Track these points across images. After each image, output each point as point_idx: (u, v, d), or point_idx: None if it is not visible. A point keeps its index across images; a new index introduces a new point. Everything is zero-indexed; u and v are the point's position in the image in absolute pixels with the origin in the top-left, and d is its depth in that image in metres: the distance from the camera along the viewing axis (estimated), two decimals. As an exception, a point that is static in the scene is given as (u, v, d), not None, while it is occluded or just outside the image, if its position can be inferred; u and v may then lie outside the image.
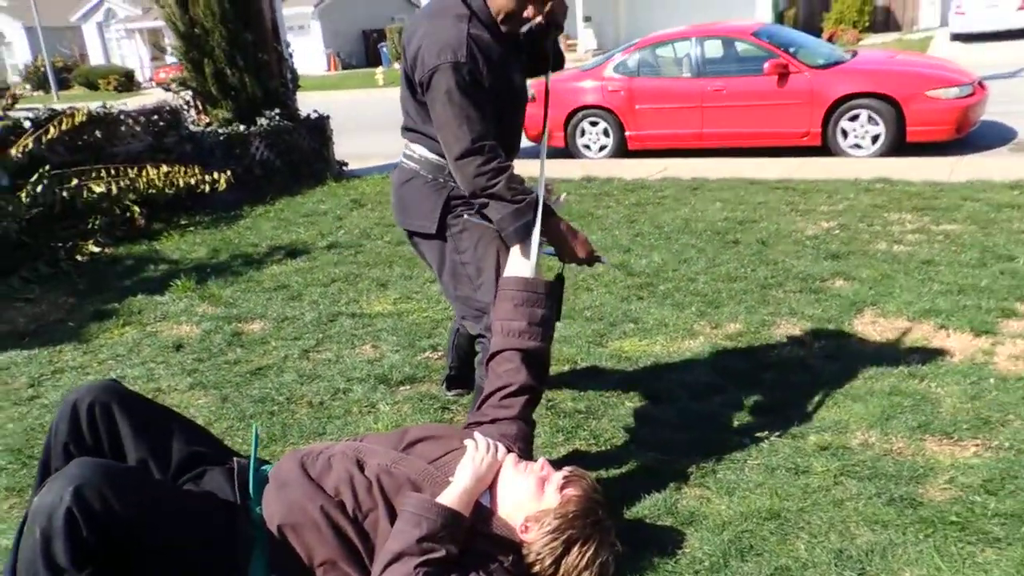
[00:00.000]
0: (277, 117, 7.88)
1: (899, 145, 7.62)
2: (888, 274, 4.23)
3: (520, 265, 2.24)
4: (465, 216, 2.37)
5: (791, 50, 8.30)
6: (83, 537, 1.58)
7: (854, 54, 8.81)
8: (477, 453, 1.92)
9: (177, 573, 1.74)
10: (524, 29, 2.31)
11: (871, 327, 3.62)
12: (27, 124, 6.07)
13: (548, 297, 2.24)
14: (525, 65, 2.40)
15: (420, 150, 2.41)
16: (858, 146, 7.87)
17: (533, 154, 2.52)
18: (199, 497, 1.88)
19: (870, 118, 7.74)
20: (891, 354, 3.31)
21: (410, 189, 2.46)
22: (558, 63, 2.39)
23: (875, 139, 7.78)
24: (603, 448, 2.72)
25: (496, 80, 2.23)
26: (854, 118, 7.84)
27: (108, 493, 1.62)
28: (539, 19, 2.29)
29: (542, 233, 2.23)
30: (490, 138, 2.19)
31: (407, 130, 2.45)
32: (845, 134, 7.90)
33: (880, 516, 2.25)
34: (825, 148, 8.01)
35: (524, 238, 2.21)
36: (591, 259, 2.36)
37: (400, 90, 2.41)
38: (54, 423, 1.93)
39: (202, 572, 1.78)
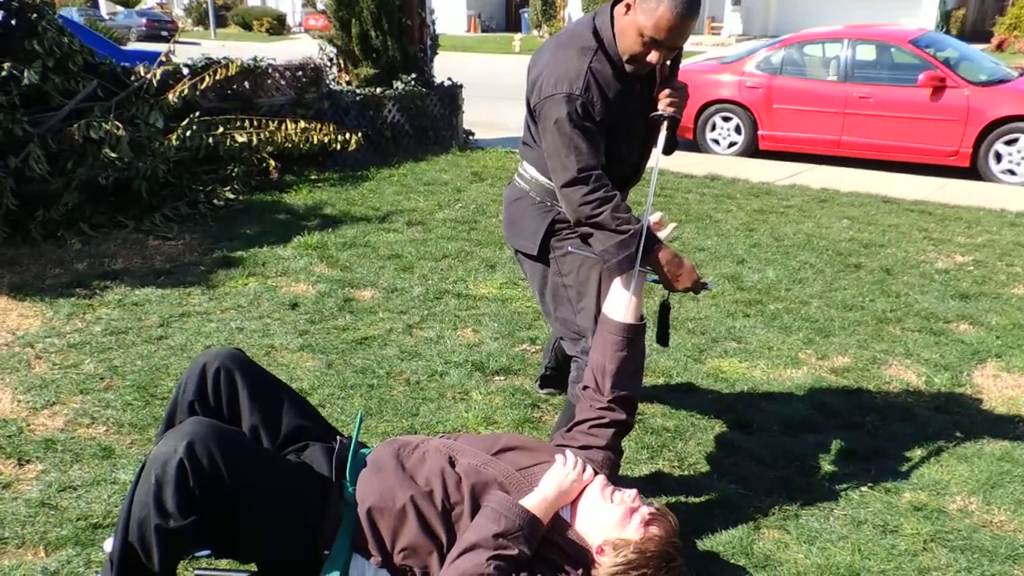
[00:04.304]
0: (412, 82, 8.08)
1: (1059, 177, 7.10)
2: (1021, 324, 3.97)
3: (621, 300, 2.25)
4: (569, 248, 2.39)
5: (951, 62, 7.79)
6: (190, 487, 1.75)
7: (1023, 72, 8.17)
8: (564, 468, 1.98)
9: (268, 535, 1.90)
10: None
11: (991, 381, 3.42)
12: (185, 71, 6.45)
13: (644, 338, 2.26)
14: (649, 104, 2.36)
15: (532, 171, 2.45)
16: (1011, 172, 7.36)
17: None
18: (297, 468, 2.02)
19: (1030, 144, 7.21)
20: (1009, 415, 3.13)
21: (518, 208, 2.51)
22: (669, 149, 2.37)
23: (1032, 167, 7.25)
24: (686, 473, 2.71)
25: (610, 115, 2.23)
26: (1012, 142, 7.31)
27: (216, 451, 1.78)
28: (664, 107, 2.29)
29: (646, 263, 2.22)
30: (598, 168, 2.19)
31: (524, 145, 2.49)
32: (999, 158, 7.40)
33: (966, 594, 2.16)
34: (973, 171, 7.52)
35: (626, 270, 2.21)
36: (696, 287, 2.34)
37: (525, 110, 2.44)
38: (183, 379, 2.12)
39: (290, 539, 1.92)
